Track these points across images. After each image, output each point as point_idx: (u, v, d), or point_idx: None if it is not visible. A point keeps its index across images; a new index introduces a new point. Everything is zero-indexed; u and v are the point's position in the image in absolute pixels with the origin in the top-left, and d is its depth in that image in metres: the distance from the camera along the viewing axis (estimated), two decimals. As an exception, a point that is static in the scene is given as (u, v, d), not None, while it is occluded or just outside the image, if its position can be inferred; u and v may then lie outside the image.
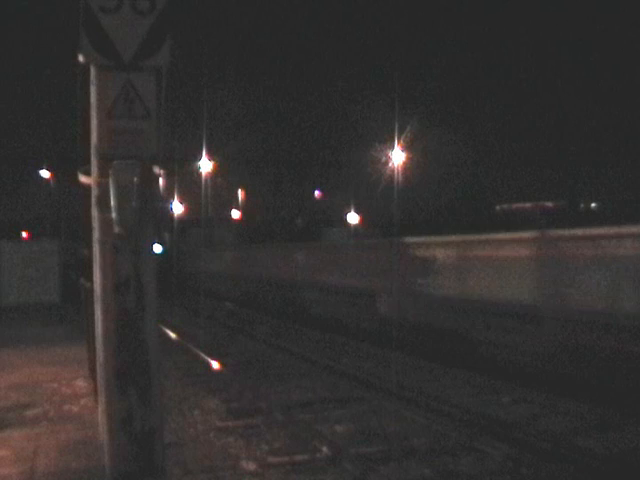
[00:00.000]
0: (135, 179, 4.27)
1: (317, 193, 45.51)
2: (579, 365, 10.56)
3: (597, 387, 9.84)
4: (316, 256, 22.76)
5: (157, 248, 4.90)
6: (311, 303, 21.08)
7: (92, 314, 5.43)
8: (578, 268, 11.06)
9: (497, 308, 12.40)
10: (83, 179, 4.70)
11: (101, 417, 5.41)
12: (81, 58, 4.41)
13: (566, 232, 12.34)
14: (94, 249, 4.58)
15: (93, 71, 4.47)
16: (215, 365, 13.03)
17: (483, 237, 14.57)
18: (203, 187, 37.12)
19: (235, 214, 45.99)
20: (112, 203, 4.27)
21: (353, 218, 39.84)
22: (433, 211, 32.78)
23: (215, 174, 39.56)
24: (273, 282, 24.65)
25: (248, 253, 30.34)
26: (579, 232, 11.96)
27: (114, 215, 4.28)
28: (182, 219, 41.51)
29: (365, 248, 19.94)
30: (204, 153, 37.14)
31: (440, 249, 14.78)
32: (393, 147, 32.13)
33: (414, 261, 15.52)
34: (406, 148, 32.20)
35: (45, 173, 39.63)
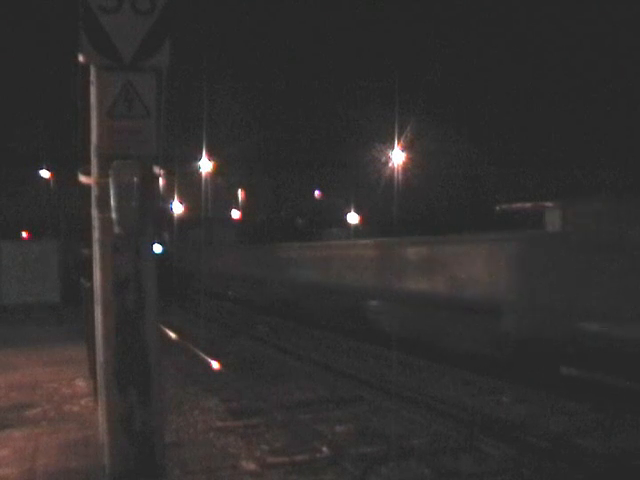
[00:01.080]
0: (135, 179, 4.27)
1: (317, 193, 45.50)
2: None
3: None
4: (390, 256, 16.48)
5: (157, 248, 4.89)
6: (383, 316, 15.68)
7: (92, 314, 5.43)
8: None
9: None
10: (83, 179, 4.70)
11: (101, 417, 5.41)
12: (81, 58, 4.41)
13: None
14: (94, 249, 4.58)
15: (93, 71, 4.47)
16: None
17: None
18: (203, 187, 37.09)
19: (235, 214, 45.98)
20: (112, 203, 4.27)
21: (353, 218, 39.83)
22: (433, 211, 32.80)
23: (215, 174, 39.55)
24: (320, 288, 19.44)
25: (278, 253, 25.06)
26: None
27: (114, 215, 4.28)
28: (182, 219, 41.51)
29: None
30: (204, 153, 37.13)
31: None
32: (393, 147, 32.12)
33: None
34: (406, 148, 32.20)
35: (45, 173, 39.60)
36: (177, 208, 41.77)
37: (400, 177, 31.04)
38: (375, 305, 16.12)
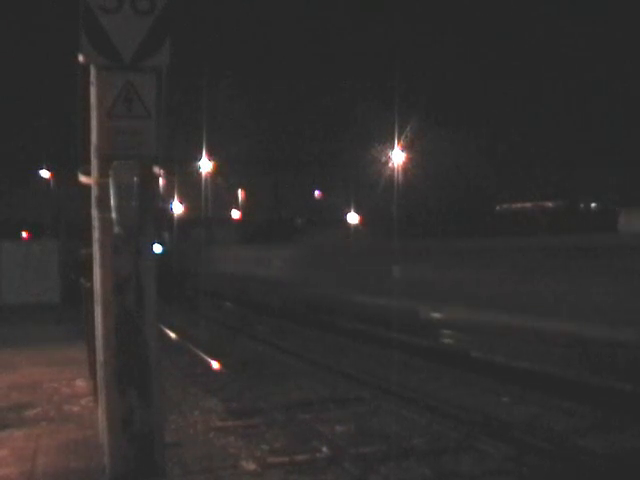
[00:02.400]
0: (135, 179, 4.27)
1: (317, 193, 45.51)
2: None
3: None
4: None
5: (157, 248, 4.90)
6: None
7: (92, 314, 5.43)
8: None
9: None
10: (83, 179, 4.70)
11: (101, 417, 5.41)
12: (81, 58, 4.42)
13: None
14: (94, 249, 4.58)
15: (93, 71, 4.48)
16: None
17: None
18: (203, 187, 37.10)
19: (235, 214, 45.99)
20: (112, 203, 4.27)
21: (353, 218, 39.82)
22: (434, 211, 32.78)
23: (215, 174, 39.56)
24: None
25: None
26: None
27: (114, 215, 4.28)
28: (182, 219, 41.51)
29: None
30: (204, 153, 37.14)
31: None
32: (393, 147, 32.11)
33: None
34: (406, 148, 32.20)
35: (45, 173, 39.62)
36: (177, 208, 41.76)
37: (400, 177, 31.04)
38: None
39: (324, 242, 22.51)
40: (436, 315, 13.70)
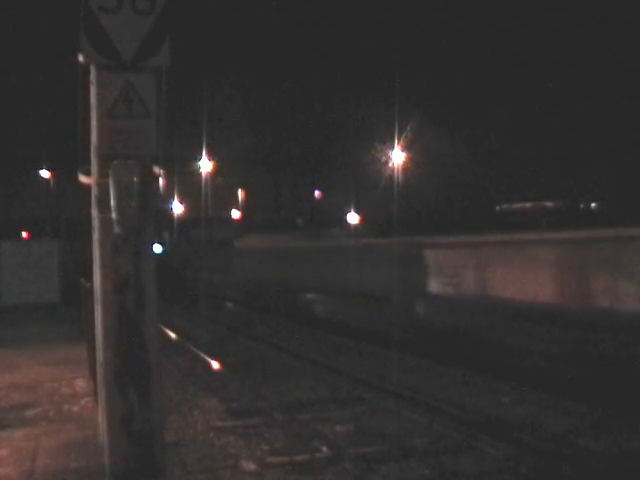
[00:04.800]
0: (135, 179, 4.27)
1: (317, 193, 45.52)
2: None
3: None
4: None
5: (157, 248, 4.90)
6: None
7: (92, 314, 5.44)
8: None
9: None
10: (83, 179, 4.70)
11: (101, 417, 5.41)
12: (81, 58, 4.41)
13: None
14: (94, 249, 4.58)
15: (93, 71, 4.48)
16: None
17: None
18: (203, 187, 37.11)
19: (235, 214, 46.00)
20: (112, 203, 4.27)
21: (353, 218, 39.83)
22: (434, 211, 32.78)
23: (215, 174, 39.57)
24: None
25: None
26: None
27: (114, 215, 4.28)
28: (182, 219, 41.54)
29: None
30: (204, 153, 37.15)
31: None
32: (393, 147, 32.14)
33: None
34: (406, 148, 32.22)
35: (45, 173, 39.63)
36: (177, 208, 41.77)
37: (400, 177, 31.04)
38: None
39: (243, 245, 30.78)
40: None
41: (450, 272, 14.68)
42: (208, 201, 37.29)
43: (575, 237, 12.16)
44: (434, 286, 15.31)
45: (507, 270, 12.98)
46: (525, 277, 12.41)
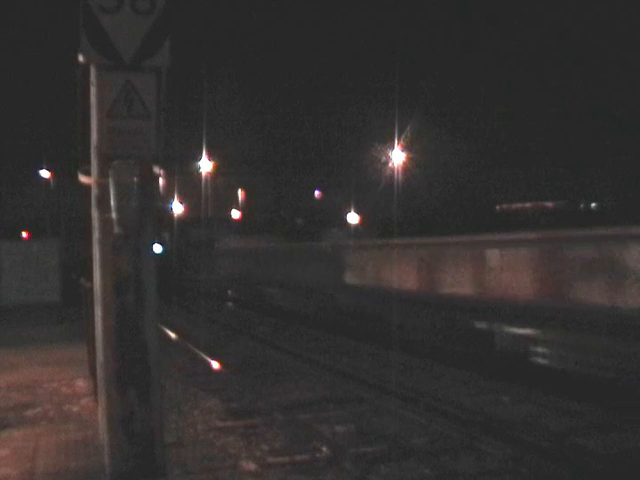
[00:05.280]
0: (135, 179, 4.27)
1: (317, 193, 45.51)
2: None
3: None
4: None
5: (157, 248, 4.89)
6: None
7: (92, 314, 5.44)
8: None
9: None
10: (83, 179, 4.70)
11: (101, 417, 5.41)
12: (81, 58, 4.41)
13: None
14: (94, 249, 4.58)
15: (93, 71, 4.48)
16: None
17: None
18: (203, 187, 37.11)
19: (235, 214, 45.98)
20: (112, 203, 4.27)
21: (353, 218, 39.82)
22: (433, 211, 32.79)
23: (215, 174, 39.56)
24: None
25: None
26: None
27: (114, 215, 4.28)
28: (182, 219, 41.51)
29: None
30: (204, 153, 37.13)
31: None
32: (393, 147, 32.12)
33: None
34: (406, 148, 32.20)
35: (45, 173, 39.62)
36: (177, 208, 41.75)
37: (400, 177, 31.04)
38: None
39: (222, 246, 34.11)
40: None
41: (358, 269, 19.22)
42: (208, 201, 37.28)
43: (431, 242, 16.51)
44: (349, 280, 19.51)
45: (392, 266, 16.91)
46: (403, 272, 16.21)
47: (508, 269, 12.45)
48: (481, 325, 12.79)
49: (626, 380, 9.68)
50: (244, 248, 31.49)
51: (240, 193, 46.20)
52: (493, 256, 12.87)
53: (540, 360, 11.40)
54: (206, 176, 38.25)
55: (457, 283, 13.91)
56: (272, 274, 25.40)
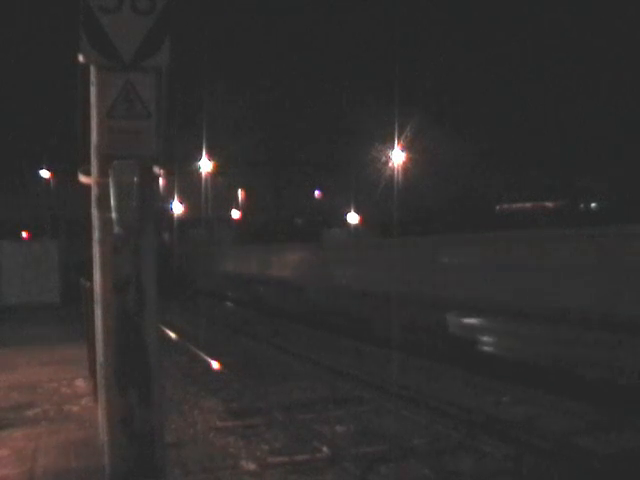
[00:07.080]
0: (135, 179, 4.27)
1: (317, 193, 45.48)
2: None
3: None
4: None
5: (157, 248, 4.89)
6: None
7: (92, 314, 5.43)
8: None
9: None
10: (83, 179, 4.70)
11: (101, 417, 5.41)
12: (81, 58, 4.41)
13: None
14: (94, 249, 4.58)
15: (93, 71, 4.47)
16: None
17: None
18: (203, 187, 37.10)
19: (235, 214, 45.95)
20: (112, 203, 4.27)
21: (353, 218, 39.81)
22: (433, 211, 32.78)
23: (215, 174, 39.53)
24: None
25: None
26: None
27: (114, 215, 4.28)
28: (182, 219, 41.46)
29: None
30: (204, 153, 37.12)
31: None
32: (393, 147, 32.10)
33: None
34: (406, 148, 32.18)
35: (45, 173, 39.62)
36: (177, 208, 41.73)
37: (400, 177, 31.04)
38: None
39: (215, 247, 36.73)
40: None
41: (325, 268, 21.03)
42: (208, 201, 37.27)
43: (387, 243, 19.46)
44: (319, 278, 21.16)
45: (351, 267, 19.55)
46: (362, 272, 18.63)
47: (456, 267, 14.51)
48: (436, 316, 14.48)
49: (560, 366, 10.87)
50: (239, 249, 34.97)
51: (240, 193, 46.16)
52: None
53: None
54: (206, 176, 38.24)
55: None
56: (258, 272, 27.93)
